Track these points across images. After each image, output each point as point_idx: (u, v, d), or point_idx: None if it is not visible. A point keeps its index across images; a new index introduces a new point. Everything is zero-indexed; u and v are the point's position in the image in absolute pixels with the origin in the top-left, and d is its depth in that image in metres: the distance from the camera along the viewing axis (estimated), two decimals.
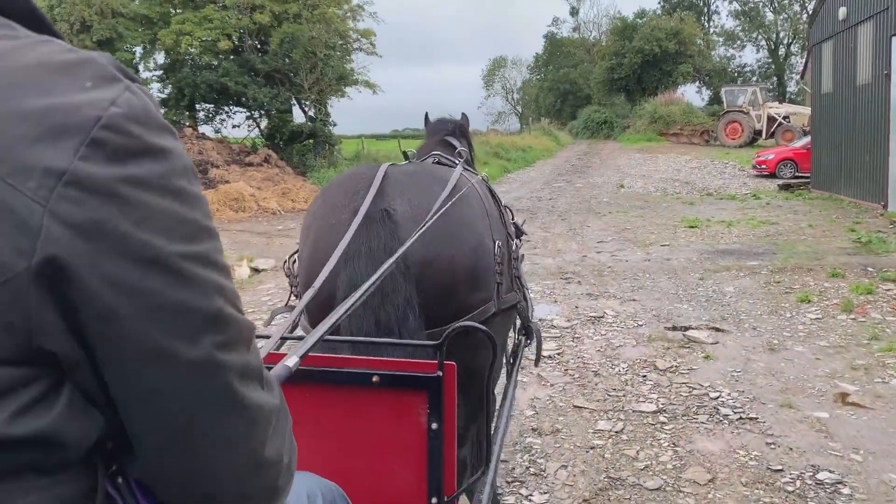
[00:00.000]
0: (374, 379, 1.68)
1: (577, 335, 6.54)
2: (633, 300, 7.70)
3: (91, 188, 0.65)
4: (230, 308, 0.76)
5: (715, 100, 58.35)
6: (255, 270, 9.37)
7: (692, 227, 12.77)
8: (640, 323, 6.86)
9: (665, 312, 7.18)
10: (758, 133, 31.90)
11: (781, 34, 61.47)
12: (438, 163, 3.09)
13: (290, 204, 15.56)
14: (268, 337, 1.62)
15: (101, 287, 0.66)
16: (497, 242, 2.35)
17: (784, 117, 30.94)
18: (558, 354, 6.01)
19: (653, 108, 40.68)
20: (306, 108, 19.61)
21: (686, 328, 6.57)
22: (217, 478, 0.79)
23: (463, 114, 4.14)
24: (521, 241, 3.50)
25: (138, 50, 18.52)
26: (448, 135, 3.70)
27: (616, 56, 51.30)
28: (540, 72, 78.88)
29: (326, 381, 1.71)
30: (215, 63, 18.26)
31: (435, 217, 2.10)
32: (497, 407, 2.60)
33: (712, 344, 6.20)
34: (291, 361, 1.32)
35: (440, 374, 1.66)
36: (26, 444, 0.66)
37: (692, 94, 60.43)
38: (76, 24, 16.03)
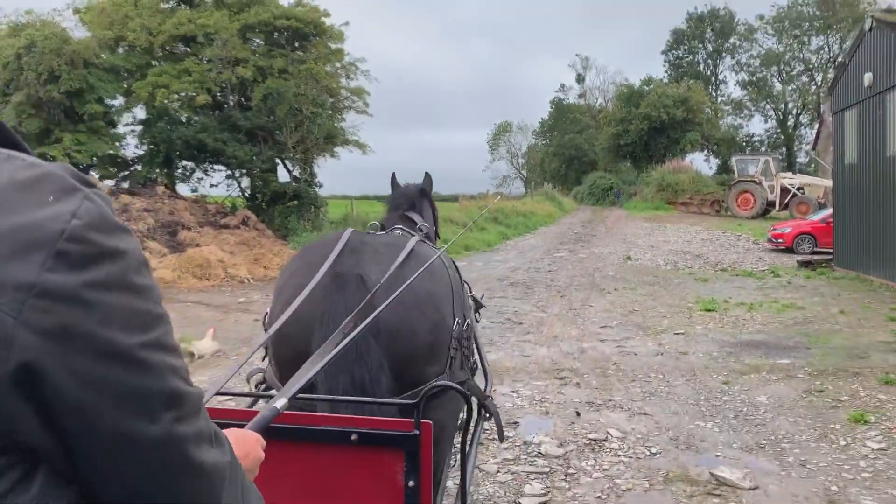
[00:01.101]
0: (353, 437, 1.72)
1: (570, 470, 4.95)
2: (644, 413, 6.14)
3: (58, 296, 0.71)
4: (182, 384, 0.83)
5: (724, 169, 57.46)
6: (192, 356, 7.85)
7: (709, 310, 11.25)
8: (653, 450, 5.29)
9: (685, 434, 5.61)
10: (770, 204, 30.61)
11: (790, 104, 61.08)
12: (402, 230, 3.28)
13: (261, 271, 14.11)
14: (247, 394, 1.95)
15: (70, 383, 0.73)
16: (457, 320, 2.45)
17: (798, 188, 29.71)
18: None
19: (660, 176, 39.58)
20: (291, 168, 18.40)
21: (714, 467, 4.99)
22: None
23: (426, 174, 4.18)
24: (479, 314, 3.68)
25: (115, 103, 17.41)
26: (409, 209, 3.80)
27: (622, 122, 50.58)
28: (545, 137, 78.68)
29: (306, 438, 1.73)
30: (195, 118, 17.13)
31: (405, 287, 2.11)
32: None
33: (751, 490, 4.62)
34: (280, 403, 1.44)
35: (417, 432, 1.71)
36: None
37: (700, 163, 59.54)
38: (44, 73, 14.97)
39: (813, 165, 37.81)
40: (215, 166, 18.28)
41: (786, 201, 29.88)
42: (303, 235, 16.96)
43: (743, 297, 12.78)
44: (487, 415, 2.96)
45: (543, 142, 79.17)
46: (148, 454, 0.79)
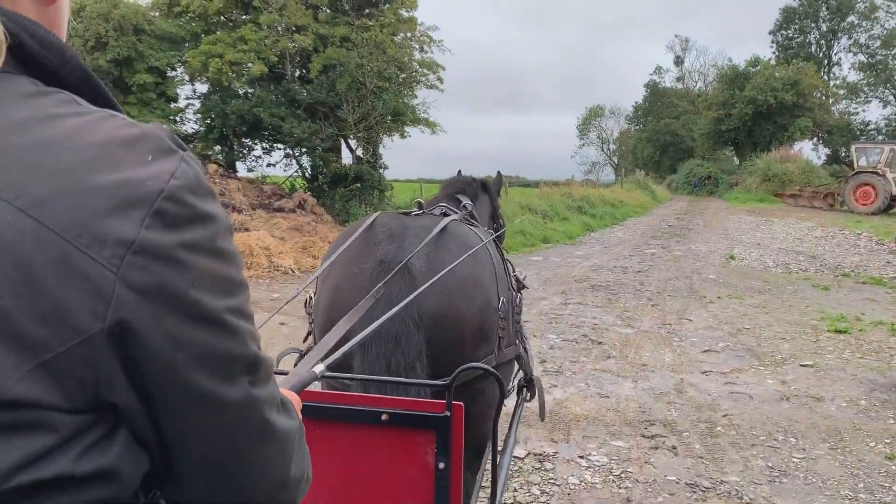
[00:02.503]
0: (384, 417, 1.71)
1: None
2: None
3: (154, 254, 0.72)
4: (259, 350, 0.85)
5: (834, 159, 52.92)
6: None
7: (840, 331, 8.96)
8: None
9: None
10: (894, 199, 27.08)
11: None
12: (444, 213, 3.11)
13: (308, 262, 12.59)
14: (284, 373, 1.63)
15: (161, 343, 0.73)
16: (502, 299, 2.43)
17: None
18: None
19: (766, 165, 36.14)
20: (353, 148, 16.80)
21: None
22: (250, 497, 0.88)
23: (498, 172, 4.41)
24: (521, 294, 3.44)
25: (173, 74, 16.22)
26: (459, 193, 3.74)
27: (724, 106, 46.94)
28: (639, 122, 75.15)
29: (337, 417, 1.72)
30: (252, 91, 15.78)
31: (447, 272, 2.16)
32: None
33: None
34: (318, 368, 1.47)
35: (448, 413, 1.67)
36: (88, 481, 0.73)
37: (808, 152, 55.06)
38: (91, 40, 13.89)
39: None
40: (274, 144, 16.89)
41: None
42: None
43: (879, 313, 10.36)
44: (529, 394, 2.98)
45: (637, 127, 75.69)
46: (229, 416, 0.81)
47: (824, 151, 55.76)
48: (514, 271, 3.35)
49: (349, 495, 1.78)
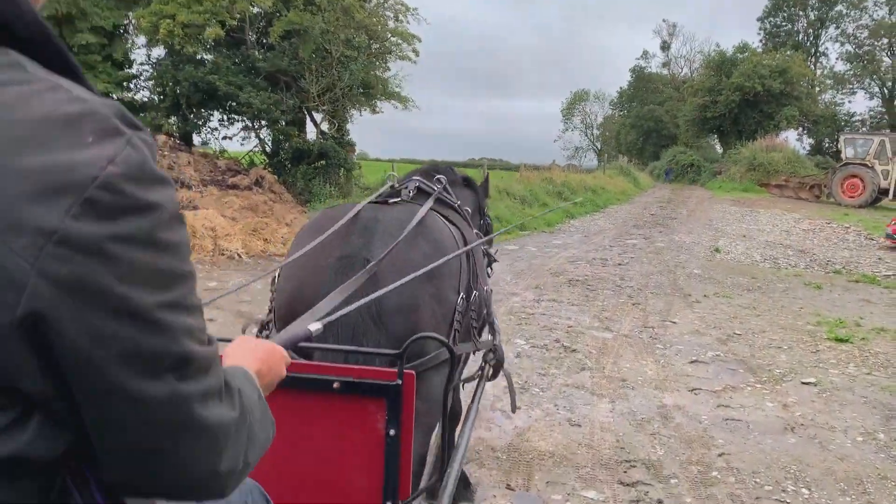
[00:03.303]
0: (335, 385, 1.73)
1: None
2: None
3: (79, 246, 0.69)
4: (196, 346, 0.81)
5: (817, 150, 52.31)
6: None
7: (841, 340, 8.01)
8: None
9: None
10: (883, 192, 26.31)
11: None
12: (419, 188, 3.13)
13: (258, 245, 11.41)
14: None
15: (79, 337, 0.71)
16: (461, 295, 2.44)
17: None
18: None
19: (752, 154, 35.25)
20: (319, 122, 15.55)
21: None
22: (175, 487, 0.86)
23: (487, 173, 4.48)
24: (491, 269, 3.61)
25: (128, 37, 14.85)
26: (433, 171, 3.56)
27: (711, 92, 45.96)
28: (623, 107, 74.27)
29: (288, 385, 1.57)
30: (208, 57, 14.48)
31: (407, 267, 2.18)
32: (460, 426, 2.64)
33: None
34: (314, 326, 1.54)
35: (399, 382, 1.70)
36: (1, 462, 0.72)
37: (792, 142, 54.42)
38: None
39: None
40: (232, 116, 15.60)
41: None
42: (325, 202, 14.24)
43: (878, 317, 9.46)
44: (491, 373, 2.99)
45: (621, 113, 74.80)
46: (149, 412, 0.77)
47: (808, 142, 55.20)
48: (488, 247, 3.48)
49: (300, 462, 1.76)
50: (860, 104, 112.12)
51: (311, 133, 15.89)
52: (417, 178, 3.31)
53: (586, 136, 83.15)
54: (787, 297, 10.76)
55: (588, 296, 9.91)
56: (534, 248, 14.87)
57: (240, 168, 14.72)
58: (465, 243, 2.69)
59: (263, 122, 15.18)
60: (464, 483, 3.81)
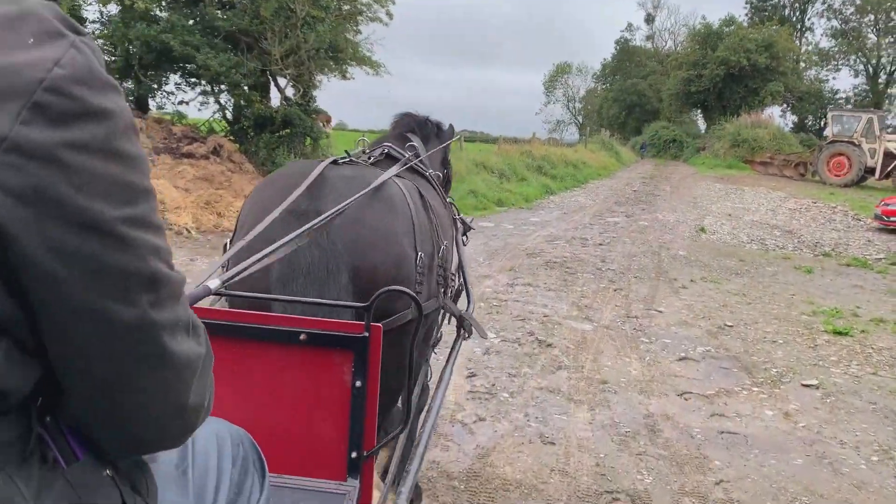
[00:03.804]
0: (302, 337, 1.71)
1: None
2: None
3: (31, 154, 0.65)
4: (163, 267, 0.78)
5: (801, 127, 51.84)
6: None
7: (840, 333, 7.34)
8: None
9: None
10: (869, 171, 25.74)
11: (884, 59, 54.39)
12: (387, 154, 3.06)
13: (210, 220, 10.51)
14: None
15: (40, 251, 0.67)
16: (420, 254, 2.37)
17: None
18: None
19: (736, 130, 34.56)
20: (283, 87, 14.53)
21: None
22: (142, 423, 0.84)
23: (450, 125, 4.01)
24: (466, 237, 3.61)
25: None
26: (410, 132, 3.52)
27: (695, 66, 45.13)
28: (606, 81, 73.38)
29: (255, 336, 1.72)
30: (163, 15, 13.39)
31: (359, 224, 2.17)
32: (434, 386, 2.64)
33: None
34: (213, 283, 1.50)
35: (367, 334, 1.69)
36: None
37: (775, 119, 53.90)
38: None
39: None
40: (190, 79, 14.51)
41: (888, 169, 25.03)
42: None
43: (875, 305, 8.85)
44: (466, 334, 2.93)
45: (604, 86, 73.91)
46: (118, 337, 0.75)
47: (792, 119, 54.67)
48: (459, 213, 3.48)
49: (265, 410, 1.75)
50: (844, 81, 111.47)
51: (276, 100, 14.89)
52: (388, 143, 3.19)
53: (568, 109, 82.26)
54: (778, 282, 10.11)
55: (566, 280, 9.16)
56: (510, 225, 14.08)
57: (197, 135, 13.71)
58: (426, 205, 2.59)
59: (223, 87, 14.14)
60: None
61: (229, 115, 15.09)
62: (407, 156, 3.04)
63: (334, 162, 2.51)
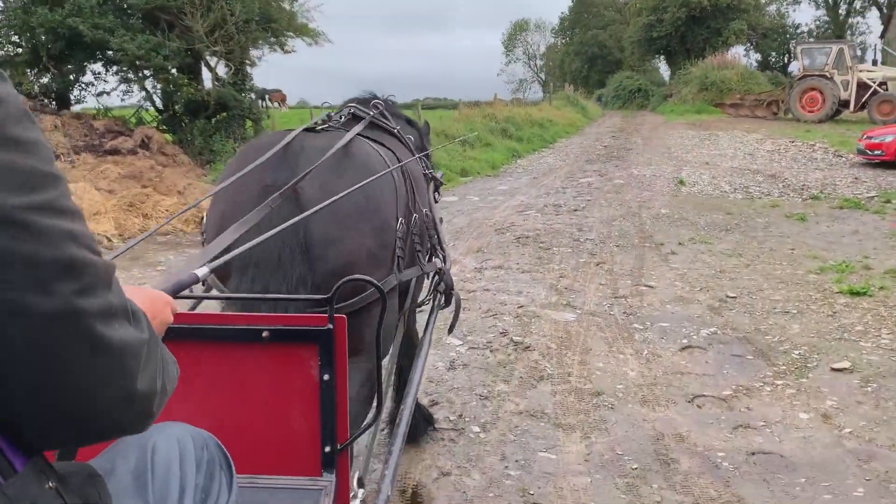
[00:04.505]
0: (264, 334, 1.68)
1: None
2: None
3: None
4: (84, 252, 0.76)
5: (765, 65, 51.00)
6: None
7: (857, 294, 6.39)
8: None
9: None
10: (843, 104, 24.91)
11: None
12: (353, 115, 2.95)
13: (136, 224, 9.27)
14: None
15: None
16: (400, 220, 2.34)
17: (880, 83, 23.95)
18: None
19: (703, 73, 33.53)
20: (214, 66, 13.13)
21: None
22: (90, 412, 0.81)
23: (426, 121, 4.18)
24: (439, 192, 3.55)
25: None
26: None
27: (655, 11, 43.86)
28: (565, 35, 71.98)
29: (216, 338, 1.69)
30: None
31: (340, 197, 2.03)
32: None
33: None
34: (202, 271, 1.44)
35: (331, 326, 1.66)
36: None
37: (739, 58, 52.93)
38: None
39: (882, 57, 31.47)
40: (110, 66, 13.07)
41: (863, 100, 24.22)
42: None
43: (883, 253, 7.98)
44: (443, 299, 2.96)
45: (563, 40, 72.52)
46: (42, 329, 0.72)
47: (755, 57, 53.75)
48: (431, 167, 3.53)
49: (233, 413, 1.71)
50: (805, 14, 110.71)
51: (209, 82, 13.52)
52: (352, 104, 3.10)
53: (530, 67, 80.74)
54: (772, 235, 9.15)
55: (542, 257, 8.09)
56: (476, 196, 12.96)
57: (123, 129, 12.36)
58: (403, 169, 2.54)
59: (147, 72, 12.74)
60: (426, 420, 3.84)
61: (159, 104, 13.69)
62: (372, 113, 2.94)
63: (308, 130, 2.44)
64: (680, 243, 8.67)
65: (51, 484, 0.82)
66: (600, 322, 5.81)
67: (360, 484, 1.94)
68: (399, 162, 2.55)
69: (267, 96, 42.31)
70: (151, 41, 11.80)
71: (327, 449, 1.71)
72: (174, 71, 13.17)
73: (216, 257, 1.66)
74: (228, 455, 1.36)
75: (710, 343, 5.31)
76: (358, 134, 2.70)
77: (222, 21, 12.01)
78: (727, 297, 6.45)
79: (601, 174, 15.72)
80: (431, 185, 3.44)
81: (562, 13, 73.32)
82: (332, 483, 1.70)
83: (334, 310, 1.67)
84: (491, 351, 5.16)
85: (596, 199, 12.32)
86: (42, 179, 0.71)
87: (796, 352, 5.09)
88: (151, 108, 13.81)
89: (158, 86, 13.28)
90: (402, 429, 2.05)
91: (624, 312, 6.05)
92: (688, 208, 11.25)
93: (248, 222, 1.89)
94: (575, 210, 11.18)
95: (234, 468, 1.35)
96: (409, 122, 3.69)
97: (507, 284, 6.98)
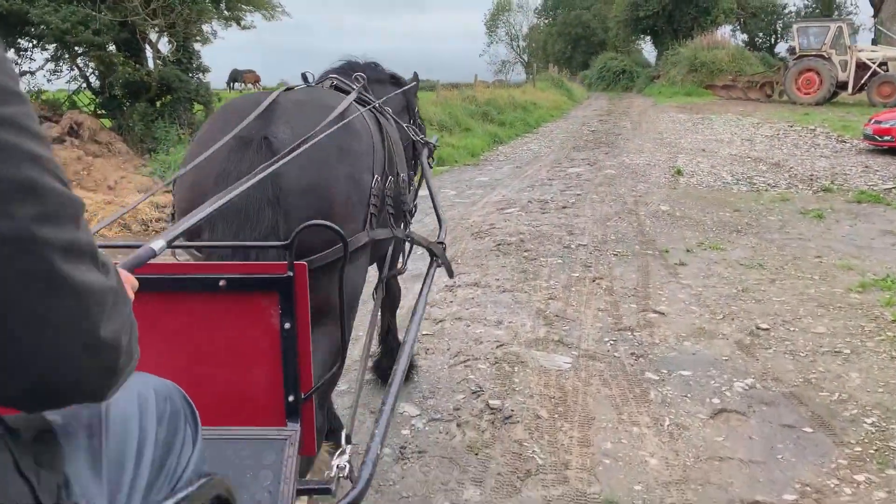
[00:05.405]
0: (221, 283, 1.63)
1: None
2: None
3: None
4: (48, 178, 0.71)
5: (752, 45, 49.85)
6: None
7: None
8: None
9: None
10: (841, 86, 23.69)
11: None
12: (335, 87, 2.85)
13: None
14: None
15: None
16: (376, 177, 2.29)
17: (881, 64, 22.73)
18: None
19: (692, 54, 32.21)
20: (155, 42, 11.59)
21: None
22: (49, 361, 0.75)
23: (415, 73, 4.03)
24: (432, 159, 3.67)
25: None
26: (355, 72, 3.23)
27: None
28: (549, 15, 70.48)
29: (173, 288, 1.64)
30: None
31: (312, 144, 2.02)
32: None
33: None
34: (157, 245, 1.36)
35: (291, 273, 1.63)
36: None
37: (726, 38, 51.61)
38: None
39: (875, 37, 30.29)
40: (35, 43, 11.50)
41: (862, 81, 23.00)
42: (178, 149, 10.58)
43: None
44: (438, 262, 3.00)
45: (547, 21, 70.99)
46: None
47: (742, 37, 52.55)
48: (420, 136, 3.57)
49: (193, 364, 1.67)
50: None
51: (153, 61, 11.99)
52: (334, 75, 3.01)
53: (513, 48, 79.05)
54: (791, 238, 7.89)
55: (526, 270, 6.74)
56: (452, 190, 11.55)
57: (51, 115, 10.84)
58: (382, 130, 2.53)
59: (78, 49, 11.19)
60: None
61: (94, 85, 12.13)
62: (355, 87, 2.81)
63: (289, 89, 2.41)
64: (688, 250, 7.35)
65: None
66: (603, 371, 4.47)
67: (348, 440, 1.93)
68: (380, 126, 2.54)
69: (240, 77, 40.54)
70: (78, 13, 10.24)
71: (291, 398, 1.67)
72: (112, 47, 11.60)
73: (178, 230, 1.48)
74: (194, 407, 1.28)
75: (749, 405, 3.99)
76: (334, 86, 2.75)
77: None
78: (758, 328, 5.14)
79: (590, 163, 14.35)
80: (425, 150, 3.55)
81: None
82: (297, 432, 1.66)
83: (295, 257, 1.61)
84: (458, 425, 3.80)
85: (586, 192, 10.96)
86: (5, 95, 0.66)
87: (868, 420, 3.79)
88: (87, 91, 12.25)
89: (91, 65, 11.72)
90: (395, 388, 2.05)
91: (632, 353, 4.72)
92: (689, 203, 9.95)
93: (226, 193, 1.72)
94: (564, 207, 9.81)
95: (199, 420, 1.27)
96: (396, 80, 3.66)
97: (483, 310, 5.62)
